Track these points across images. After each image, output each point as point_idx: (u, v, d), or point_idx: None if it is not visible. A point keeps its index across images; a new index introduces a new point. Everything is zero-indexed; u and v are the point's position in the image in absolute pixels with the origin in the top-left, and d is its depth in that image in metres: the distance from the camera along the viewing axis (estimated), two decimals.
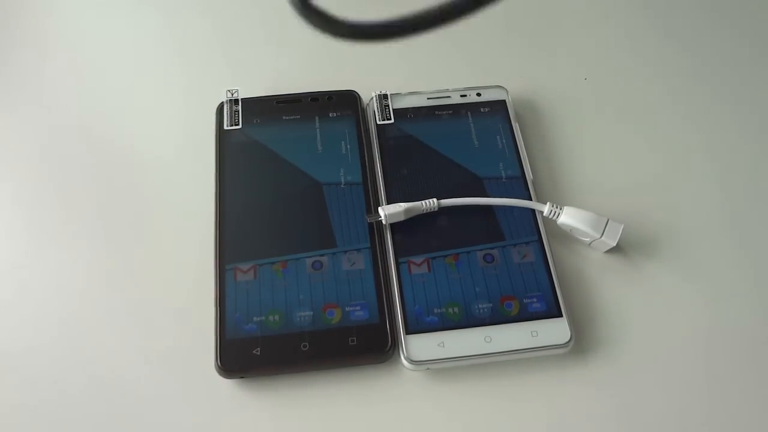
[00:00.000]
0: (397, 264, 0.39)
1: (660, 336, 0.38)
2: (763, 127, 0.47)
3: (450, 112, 0.45)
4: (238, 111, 0.45)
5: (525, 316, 0.37)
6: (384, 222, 0.40)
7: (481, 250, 0.39)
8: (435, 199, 0.40)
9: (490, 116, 0.45)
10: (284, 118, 0.45)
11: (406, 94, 0.46)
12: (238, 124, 0.44)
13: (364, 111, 0.46)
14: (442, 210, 0.40)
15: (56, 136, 0.46)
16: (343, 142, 0.44)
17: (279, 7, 0.53)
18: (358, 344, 0.36)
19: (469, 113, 0.45)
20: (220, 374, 0.35)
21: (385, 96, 0.46)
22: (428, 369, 0.36)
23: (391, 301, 0.38)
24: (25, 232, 0.41)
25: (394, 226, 0.40)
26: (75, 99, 0.48)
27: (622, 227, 0.39)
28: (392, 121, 0.45)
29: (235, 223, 0.40)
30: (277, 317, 0.37)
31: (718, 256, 0.41)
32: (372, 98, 0.46)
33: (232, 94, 0.45)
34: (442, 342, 0.36)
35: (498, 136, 0.44)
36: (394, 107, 0.45)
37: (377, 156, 0.43)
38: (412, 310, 0.37)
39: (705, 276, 0.40)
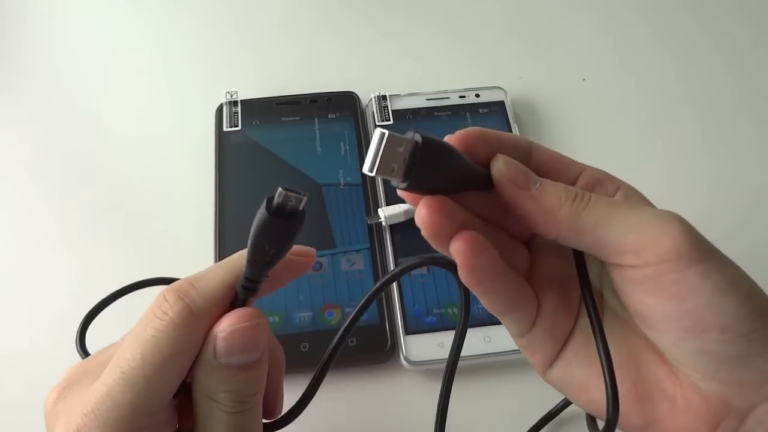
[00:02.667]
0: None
1: None
2: (763, 127, 0.47)
3: (449, 113, 0.46)
4: (237, 112, 0.45)
5: None
6: (384, 224, 0.40)
7: None
8: None
9: (489, 117, 0.45)
10: (283, 119, 0.45)
11: (404, 96, 0.46)
12: (237, 126, 0.44)
13: (363, 112, 0.46)
14: None
15: (56, 138, 0.46)
16: (342, 143, 0.44)
17: (278, 9, 0.53)
18: (358, 345, 0.36)
19: (468, 114, 0.45)
20: None
21: (384, 97, 0.46)
22: (428, 369, 0.36)
23: (390, 301, 0.38)
24: (26, 233, 0.41)
25: (394, 227, 0.40)
26: (75, 101, 0.48)
27: None
28: (391, 122, 0.45)
29: (235, 224, 0.40)
30: (276, 318, 0.37)
31: None
32: (371, 99, 0.46)
33: (232, 96, 0.45)
34: (442, 342, 0.36)
35: None
36: (393, 108, 0.45)
37: None
38: (412, 310, 0.37)
39: None
